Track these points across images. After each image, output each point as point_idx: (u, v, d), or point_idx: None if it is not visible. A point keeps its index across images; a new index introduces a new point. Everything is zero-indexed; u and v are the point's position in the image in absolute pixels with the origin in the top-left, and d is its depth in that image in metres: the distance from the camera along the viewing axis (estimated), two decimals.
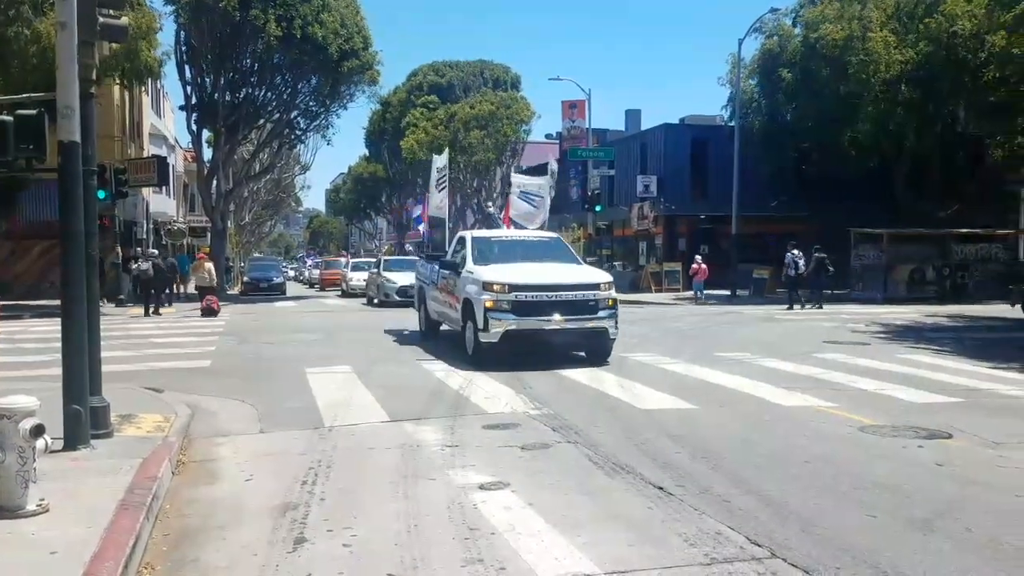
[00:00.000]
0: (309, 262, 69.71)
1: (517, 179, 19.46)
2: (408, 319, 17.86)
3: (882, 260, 28.13)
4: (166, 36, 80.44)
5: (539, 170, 32.92)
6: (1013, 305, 20.66)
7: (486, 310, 11.33)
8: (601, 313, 11.68)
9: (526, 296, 11.36)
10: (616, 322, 11.93)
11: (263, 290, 36.94)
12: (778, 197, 33.09)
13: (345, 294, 35.49)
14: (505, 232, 15.45)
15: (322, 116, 36.46)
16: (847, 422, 7.74)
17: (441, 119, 47.35)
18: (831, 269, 24.95)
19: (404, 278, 24.60)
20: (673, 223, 35.84)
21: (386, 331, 17.11)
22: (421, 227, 22.64)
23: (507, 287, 11.37)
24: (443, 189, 17.66)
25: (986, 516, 5.03)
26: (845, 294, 28.08)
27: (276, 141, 38.57)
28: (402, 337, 16.02)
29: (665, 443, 6.91)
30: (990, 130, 28.90)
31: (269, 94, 33.66)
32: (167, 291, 25.68)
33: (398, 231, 74.58)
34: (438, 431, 7.47)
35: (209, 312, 22.85)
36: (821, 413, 8.27)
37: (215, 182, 35.42)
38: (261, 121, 35.68)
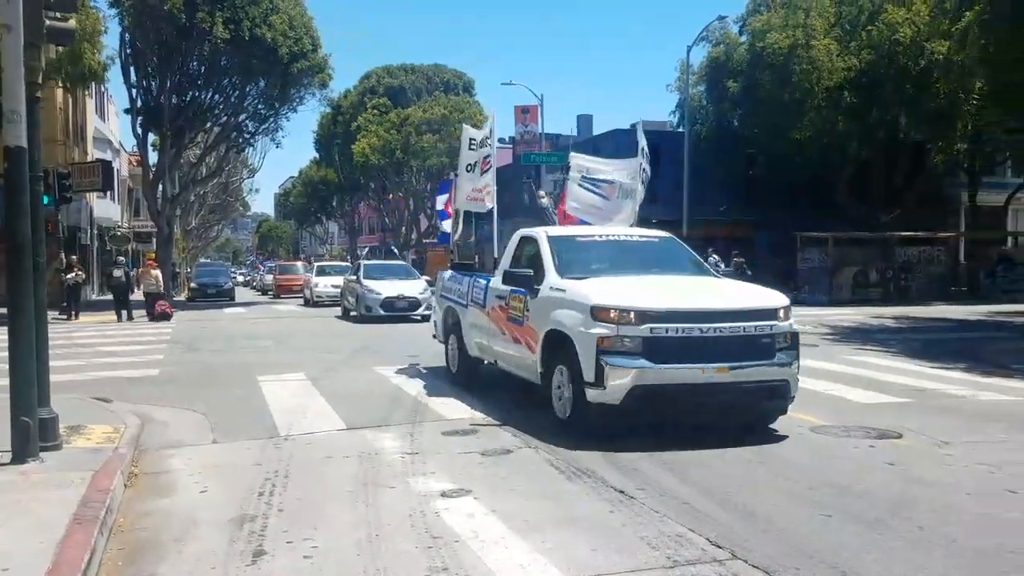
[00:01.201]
0: (262, 268, 64.36)
1: (580, 160, 12.82)
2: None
3: (827, 263, 28.76)
4: (111, 38, 78.79)
5: (612, 148, 26.85)
6: None
7: (599, 352, 6.98)
8: (781, 356, 7.33)
9: (668, 330, 6.98)
10: (799, 367, 7.62)
11: (211, 296, 36.27)
12: (727, 201, 33.63)
13: (309, 302, 31.12)
14: (596, 231, 9.93)
15: (271, 119, 36.08)
16: (799, 423, 7.87)
17: (393, 123, 47.15)
18: (749, 273, 25.85)
19: (390, 287, 21.78)
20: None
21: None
22: (445, 223, 18.76)
23: (635, 315, 7.00)
24: (488, 170, 11.67)
25: (936, 514, 5.17)
26: (792, 297, 28.60)
27: (224, 144, 37.98)
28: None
29: (625, 445, 6.94)
30: (931, 136, 29.77)
31: (217, 97, 33.19)
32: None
33: (350, 235, 74.13)
34: (397, 438, 7.42)
35: (163, 317, 22.99)
36: None
37: (161, 187, 34.76)
38: (208, 124, 35.17)
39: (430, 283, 21.67)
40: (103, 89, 39.42)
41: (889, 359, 13.01)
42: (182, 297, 38.24)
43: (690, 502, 5.39)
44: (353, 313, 23.04)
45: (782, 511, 5.24)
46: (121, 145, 46.48)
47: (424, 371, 10.20)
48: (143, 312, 24.23)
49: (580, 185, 12.42)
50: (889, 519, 5.06)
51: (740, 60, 31.64)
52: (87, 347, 15.90)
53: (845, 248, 29.12)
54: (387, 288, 21.78)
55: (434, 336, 11.97)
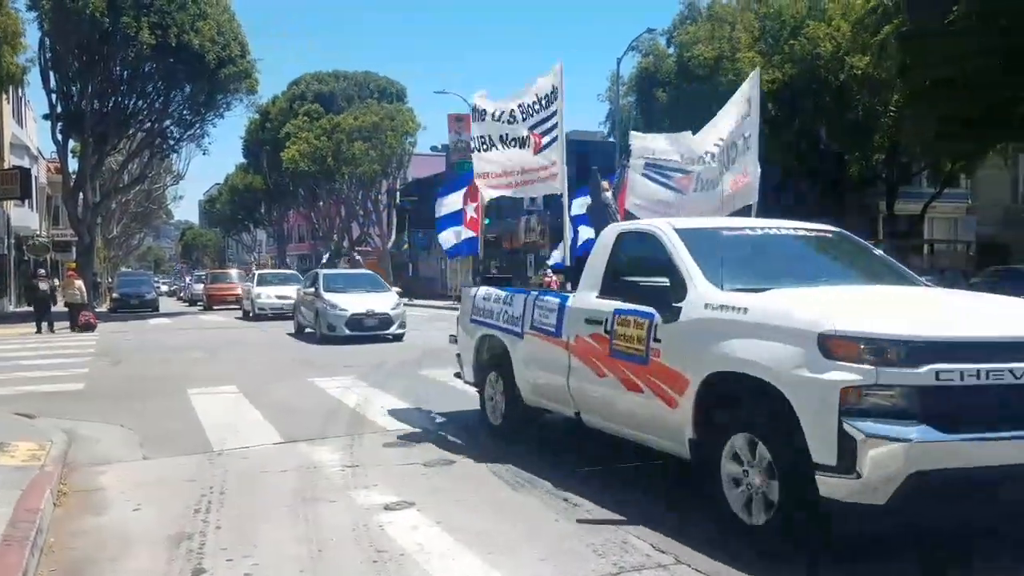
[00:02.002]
0: (189, 277, 58.97)
1: (644, 142, 9.56)
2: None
3: None
4: (30, 42, 76.08)
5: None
6: None
7: (843, 413, 4.22)
8: None
9: (964, 373, 4.22)
10: None
11: (134, 307, 35.29)
12: None
13: (249, 315, 28.22)
14: (741, 222, 7.11)
15: (197, 125, 35.40)
16: None
17: (324, 129, 46.63)
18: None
19: (356, 302, 18.47)
20: (561, 235, 36.38)
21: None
22: (446, 234, 10.74)
23: (906, 348, 4.24)
24: (555, 141, 8.24)
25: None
26: None
27: (147, 151, 37.08)
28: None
29: (569, 455, 6.99)
30: (850, 147, 30.80)
31: (140, 103, 32.41)
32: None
33: (279, 243, 72.91)
34: (336, 451, 7.31)
35: (87, 327, 22.57)
36: None
37: (82, 194, 33.70)
38: (132, 131, 34.25)
39: (401, 295, 20.10)
40: (20, 94, 38.10)
41: None
42: (104, 308, 37.05)
43: (635, 507, 5.43)
44: (309, 330, 19.86)
45: (725, 515, 5.32)
46: (40, 152, 44.98)
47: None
48: (64, 324, 23.48)
49: (643, 174, 9.28)
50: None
51: (668, 71, 32.27)
52: (7, 360, 15.31)
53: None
54: (353, 303, 18.43)
55: (457, 375, 9.05)
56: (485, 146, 8.97)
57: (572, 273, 8.01)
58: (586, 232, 9.95)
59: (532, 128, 8.42)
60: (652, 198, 9.16)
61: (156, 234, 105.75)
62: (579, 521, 5.22)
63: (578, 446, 7.06)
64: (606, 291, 6.27)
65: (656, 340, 5.46)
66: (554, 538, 4.92)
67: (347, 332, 17.97)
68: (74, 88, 30.95)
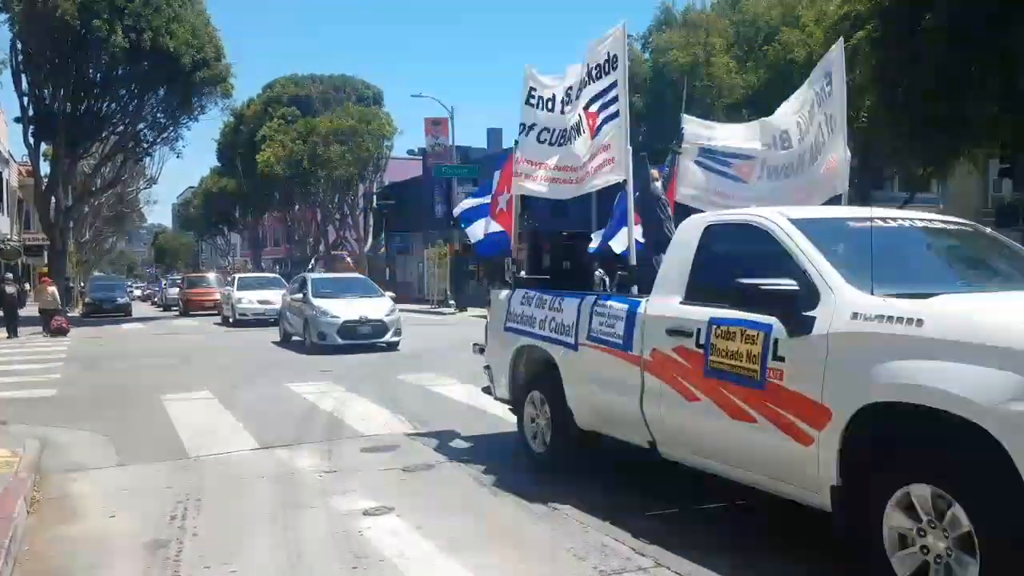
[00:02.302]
0: (165, 280, 55.74)
1: (696, 126, 8.45)
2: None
3: None
4: (1, 44, 75.23)
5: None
6: None
7: None
8: None
9: None
10: None
11: (107, 311, 34.92)
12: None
13: (229, 321, 26.95)
14: (863, 211, 5.17)
15: (171, 128, 35.11)
16: None
17: (300, 132, 46.38)
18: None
19: (348, 308, 17.22)
20: (537, 239, 36.44)
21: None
22: (476, 227, 9.28)
23: None
24: (614, 117, 6.84)
25: None
26: None
27: (121, 154, 36.70)
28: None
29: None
30: None
31: (114, 106, 32.09)
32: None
33: (253, 247, 72.39)
34: (314, 456, 7.27)
35: (59, 332, 22.55)
36: None
37: (54, 198, 33.30)
38: (105, 134, 33.89)
39: (395, 299, 19.24)
40: None
41: None
42: (76, 312, 36.64)
43: (613, 512, 5.44)
44: (297, 338, 18.54)
45: (703, 517, 5.36)
46: (11, 155, 44.37)
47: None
48: (37, 329, 23.37)
49: (697, 162, 8.13)
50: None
51: (644, 76, 32.43)
52: None
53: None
54: (345, 309, 17.16)
55: (487, 391, 7.97)
56: (533, 134, 7.61)
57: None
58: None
59: (587, 105, 6.94)
60: (708, 188, 7.93)
61: (129, 238, 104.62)
62: (559, 525, 5.23)
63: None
64: (693, 296, 5.15)
65: (777, 358, 4.34)
66: (534, 542, 4.93)
67: (339, 341, 16.67)
68: (46, 91, 30.61)
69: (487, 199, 8.96)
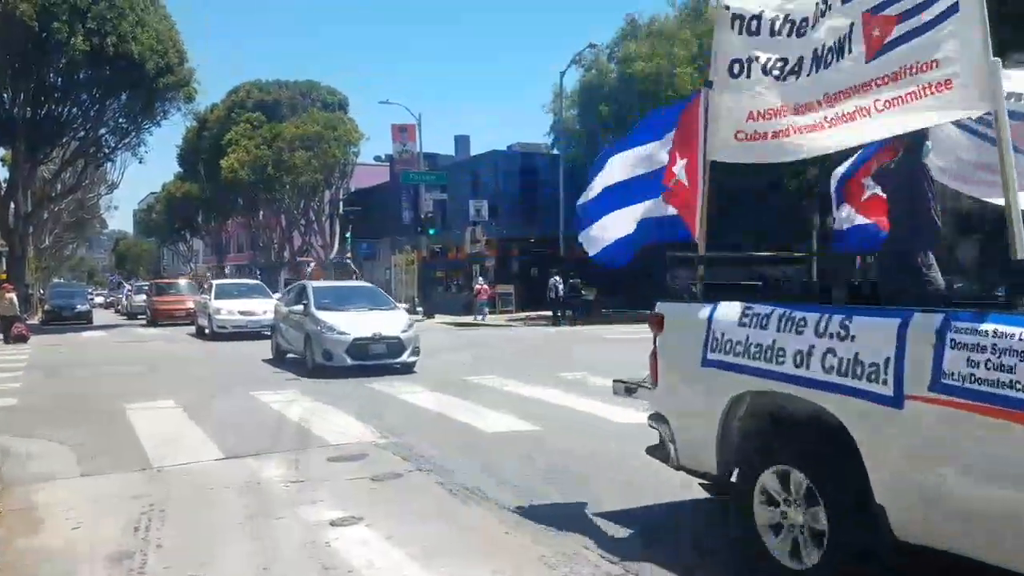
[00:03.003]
0: (129, 287, 52.50)
1: None
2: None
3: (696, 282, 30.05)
4: None
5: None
6: None
7: None
8: None
9: None
10: None
11: (67, 319, 34.38)
12: None
13: (205, 332, 24.55)
14: None
15: (133, 133, 34.73)
16: None
17: (265, 138, 46.05)
18: (583, 293, 28.91)
19: (359, 323, 14.41)
20: (505, 246, 36.72)
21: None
22: (596, 230, 6.08)
23: None
24: (938, 25, 3.89)
25: None
26: None
27: (82, 160, 36.18)
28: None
29: (515, 466, 7.01)
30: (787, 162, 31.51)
31: (75, 110, 31.65)
32: None
33: (217, 253, 71.63)
34: (281, 466, 7.20)
35: (20, 339, 22.64)
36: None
37: (13, 204, 32.76)
38: (65, 139, 33.41)
39: (409, 311, 17.10)
40: None
41: None
42: (36, 320, 35.96)
43: (583, 519, 5.47)
44: (292, 356, 16.01)
45: (676, 524, 5.42)
46: None
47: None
48: None
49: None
50: None
51: (611, 86, 32.68)
52: None
53: (711, 267, 30.48)
54: (355, 324, 14.35)
55: (652, 452, 5.44)
56: (756, 68, 5.02)
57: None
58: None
59: (874, 7, 4.27)
60: (966, 159, 5.60)
61: (89, 244, 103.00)
62: (529, 533, 5.24)
63: (521, 461, 6.87)
64: None
65: None
66: (504, 550, 4.93)
67: (348, 361, 13.91)
68: (5, 95, 30.17)
69: (646, 166, 6.18)
